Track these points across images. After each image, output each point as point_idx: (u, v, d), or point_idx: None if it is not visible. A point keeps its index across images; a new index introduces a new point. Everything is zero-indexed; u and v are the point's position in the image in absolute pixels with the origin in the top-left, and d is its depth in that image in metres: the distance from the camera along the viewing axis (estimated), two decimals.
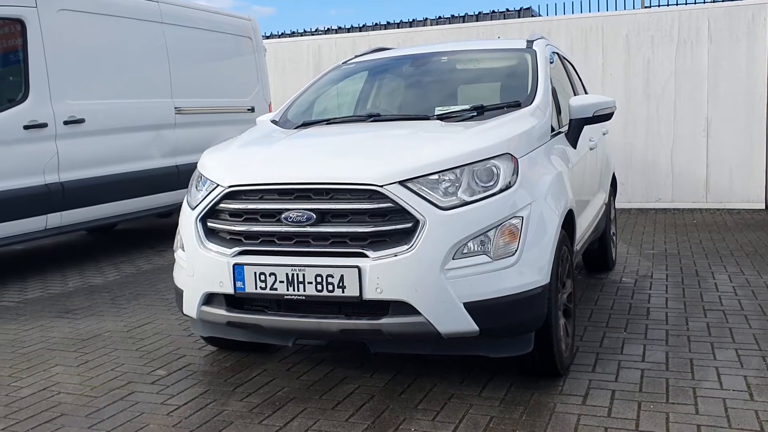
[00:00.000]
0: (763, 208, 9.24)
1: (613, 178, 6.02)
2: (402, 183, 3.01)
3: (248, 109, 8.84)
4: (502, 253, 3.06)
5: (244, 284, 3.13)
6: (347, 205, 3.04)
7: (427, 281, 2.94)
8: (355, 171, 3.06)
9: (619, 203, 9.67)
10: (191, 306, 3.36)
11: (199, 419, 3.13)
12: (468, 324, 3.00)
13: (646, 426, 2.93)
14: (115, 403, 3.36)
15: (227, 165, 3.40)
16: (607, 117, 4.12)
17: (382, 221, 3.02)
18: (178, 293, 3.49)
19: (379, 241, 3.02)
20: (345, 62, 4.92)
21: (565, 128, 4.11)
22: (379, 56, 4.84)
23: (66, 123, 6.38)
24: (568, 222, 3.69)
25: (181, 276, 3.46)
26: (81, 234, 8.49)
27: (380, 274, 2.95)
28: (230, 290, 3.17)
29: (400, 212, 3.00)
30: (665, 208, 9.53)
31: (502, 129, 3.43)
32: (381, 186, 3.00)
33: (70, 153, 6.41)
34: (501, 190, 3.12)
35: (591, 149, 4.61)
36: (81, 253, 7.39)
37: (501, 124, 3.51)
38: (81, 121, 6.52)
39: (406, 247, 2.96)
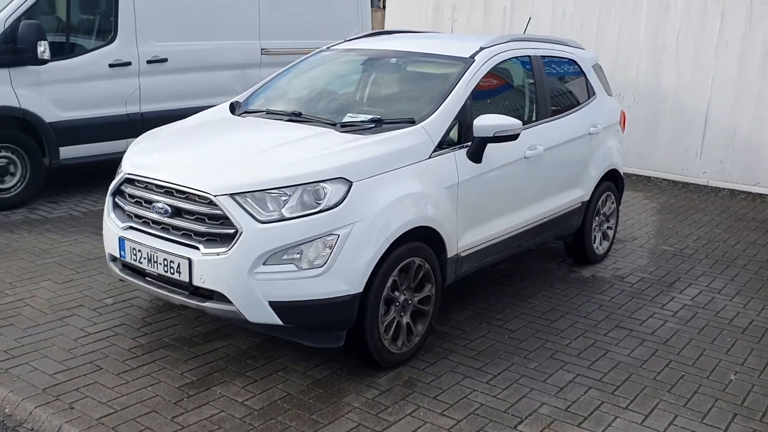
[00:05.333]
0: None
1: (614, 173, 6.02)
2: (232, 195, 3.63)
3: None
4: (312, 264, 3.62)
5: (125, 254, 3.99)
6: (194, 206, 3.75)
7: (237, 280, 3.60)
8: (200, 180, 3.73)
9: (715, 182, 9.25)
10: (107, 260, 4.29)
11: (87, 350, 4.10)
12: (272, 318, 3.65)
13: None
14: (52, 322, 4.42)
15: (136, 153, 4.21)
16: (511, 138, 4.34)
17: (215, 224, 3.70)
18: None
19: (213, 240, 3.71)
20: (328, 48, 5.44)
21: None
22: (353, 47, 5.29)
23: (149, 62, 7.47)
24: (432, 235, 4.10)
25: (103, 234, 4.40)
26: None
27: (204, 267, 3.66)
28: (118, 256, 4.04)
29: (228, 219, 3.64)
30: (762, 194, 8.97)
31: (355, 151, 3.88)
32: (215, 196, 3.65)
33: (151, 88, 7.53)
34: (322, 210, 3.64)
35: (526, 158, 4.80)
36: None
37: (363, 145, 3.95)
38: (164, 60, 7.58)
39: (225, 249, 3.63)
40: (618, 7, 9.70)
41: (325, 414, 3.56)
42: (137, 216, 4.02)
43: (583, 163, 5.60)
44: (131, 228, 4.03)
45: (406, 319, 4.06)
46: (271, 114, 4.66)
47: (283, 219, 3.61)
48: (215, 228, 3.68)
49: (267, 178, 3.67)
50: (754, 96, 8.97)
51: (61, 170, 7.06)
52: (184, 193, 3.79)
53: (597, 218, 5.97)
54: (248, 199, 3.63)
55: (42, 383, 3.71)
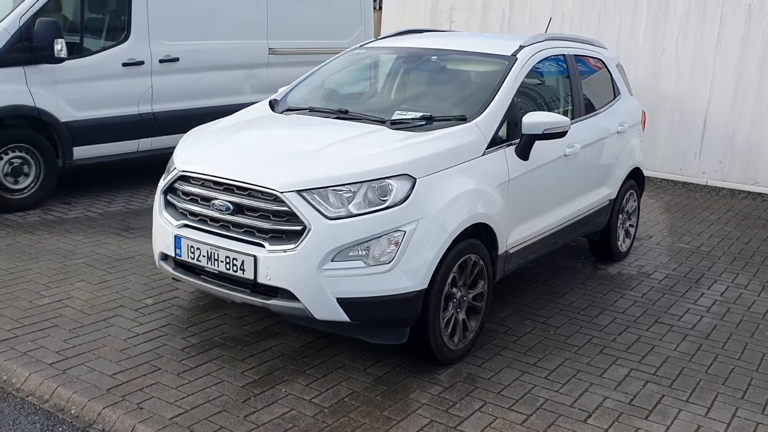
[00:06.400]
0: None
1: (636, 171, 6.10)
2: (299, 192, 3.61)
3: None
4: (378, 260, 3.61)
5: (181, 252, 3.93)
6: (257, 203, 3.71)
7: (306, 277, 3.58)
8: (265, 176, 3.70)
9: (714, 181, 9.41)
10: (156, 258, 4.22)
11: (141, 349, 4.04)
12: (339, 314, 3.63)
13: (464, 427, 3.45)
14: (97, 323, 4.34)
15: (189, 151, 4.16)
16: (559, 135, 4.38)
17: (280, 221, 3.67)
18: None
19: (278, 237, 3.67)
20: (360, 45, 5.43)
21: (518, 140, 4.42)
22: (387, 45, 5.29)
23: (161, 61, 7.37)
24: (486, 232, 4.11)
25: (153, 232, 4.33)
26: None
27: (270, 264, 3.62)
28: (173, 254, 3.99)
29: (294, 216, 3.61)
30: (761, 193, 9.14)
31: (416, 148, 3.89)
32: (281, 192, 3.62)
33: (163, 87, 7.43)
34: (389, 207, 3.63)
35: (566, 155, 4.85)
36: None
37: (422, 142, 3.96)
38: (176, 59, 7.49)
39: (293, 245, 3.60)
40: (617, 10, 9.83)
41: (396, 410, 3.55)
42: (192, 213, 3.97)
43: (611, 162, 5.67)
44: (186, 226, 3.97)
45: (461, 316, 4.07)
46: (315, 112, 4.64)
47: (351, 215, 3.59)
48: (281, 225, 3.65)
49: (333, 175, 3.65)
50: (753, 96, 9.16)
51: (70, 171, 6.92)
52: (246, 189, 3.75)
53: (621, 216, 6.04)
54: (315, 196, 3.61)
55: (104, 384, 3.64)
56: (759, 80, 9.08)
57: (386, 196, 3.66)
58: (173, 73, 7.50)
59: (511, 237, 4.42)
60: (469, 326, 4.13)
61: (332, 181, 3.63)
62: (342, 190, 3.64)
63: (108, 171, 7.94)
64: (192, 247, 3.87)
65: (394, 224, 3.62)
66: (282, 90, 5.18)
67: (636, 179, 6.19)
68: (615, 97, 5.89)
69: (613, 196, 5.77)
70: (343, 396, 3.67)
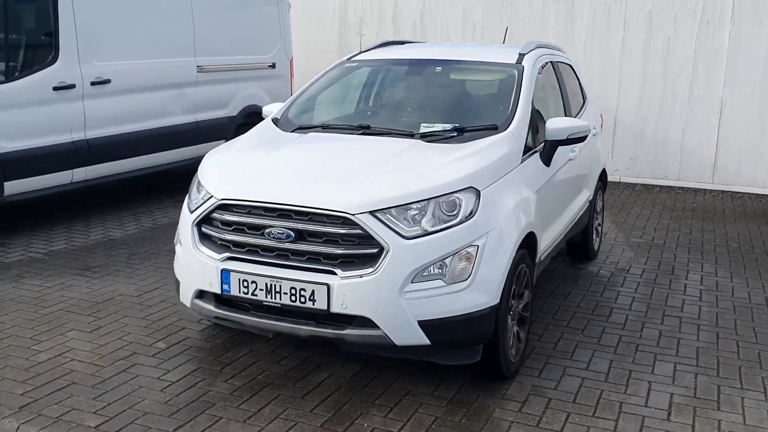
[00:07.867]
0: None
1: (603, 173, 6.31)
2: (372, 213, 3.40)
3: (269, 65, 9.15)
4: (456, 277, 3.47)
5: (229, 287, 3.60)
6: (323, 228, 3.46)
7: (387, 301, 3.38)
8: (332, 198, 3.46)
9: (627, 178, 9.95)
10: (186, 297, 3.84)
11: (187, 398, 3.65)
12: (420, 338, 3.46)
13: None
14: (119, 374, 3.89)
15: (222, 176, 3.82)
16: (581, 139, 4.44)
17: (352, 245, 3.44)
18: (177, 282, 3.96)
19: (349, 262, 3.44)
20: (348, 59, 5.24)
21: (541, 147, 4.42)
22: (380, 57, 5.15)
23: (93, 84, 6.79)
24: (530, 241, 4.07)
25: (178, 269, 3.93)
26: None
27: (346, 292, 3.39)
28: (218, 291, 3.64)
29: (368, 238, 3.40)
30: (671, 186, 9.75)
31: (471, 160, 3.79)
32: (353, 214, 3.40)
33: (96, 112, 6.84)
34: (461, 222, 3.51)
35: (570, 160, 4.92)
36: (105, 200, 7.87)
37: (472, 154, 3.87)
38: (107, 81, 6.92)
39: (370, 269, 3.39)
40: (526, 20, 10.19)
41: None
42: (238, 244, 3.64)
43: (590, 164, 5.82)
44: (230, 258, 3.64)
45: (516, 327, 4.00)
46: (330, 129, 4.42)
47: (426, 233, 3.44)
48: (353, 249, 3.43)
49: (403, 192, 3.48)
50: (658, 97, 9.78)
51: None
52: (308, 214, 3.49)
53: (594, 215, 6.23)
54: (389, 216, 3.42)
55: None
56: (662, 83, 9.71)
57: (453, 211, 3.54)
58: (105, 95, 6.94)
59: (542, 244, 4.41)
60: (520, 337, 4.07)
61: (403, 199, 3.46)
62: (412, 208, 3.47)
63: (28, 207, 7.19)
64: (245, 281, 3.55)
65: (468, 239, 3.50)
66: (274, 109, 4.89)
67: (602, 180, 6.40)
68: (584, 102, 6.06)
69: (591, 197, 5.93)
70: (430, 423, 3.49)
